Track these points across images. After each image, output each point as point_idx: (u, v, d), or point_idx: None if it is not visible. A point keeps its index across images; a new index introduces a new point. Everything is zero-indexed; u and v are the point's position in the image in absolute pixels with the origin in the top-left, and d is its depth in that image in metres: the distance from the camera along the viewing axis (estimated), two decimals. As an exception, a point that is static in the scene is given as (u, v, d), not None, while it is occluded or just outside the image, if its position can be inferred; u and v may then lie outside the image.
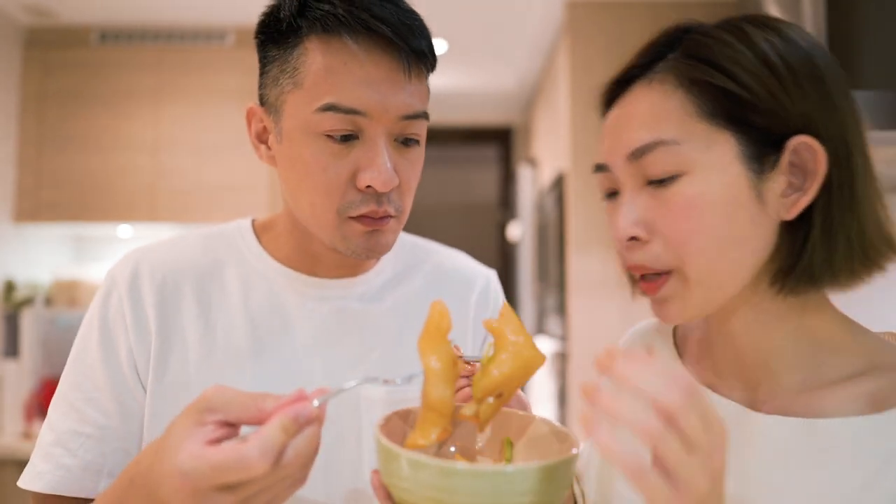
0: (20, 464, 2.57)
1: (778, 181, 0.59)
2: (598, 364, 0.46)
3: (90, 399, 0.77)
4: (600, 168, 0.66)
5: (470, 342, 0.88)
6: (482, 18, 2.89)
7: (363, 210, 0.74)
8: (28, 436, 2.67)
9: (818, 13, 1.38)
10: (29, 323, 2.74)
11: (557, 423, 0.61)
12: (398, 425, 0.60)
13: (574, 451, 0.53)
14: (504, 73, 3.69)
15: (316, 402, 0.54)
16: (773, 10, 1.61)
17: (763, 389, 0.64)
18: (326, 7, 0.72)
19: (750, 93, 0.58)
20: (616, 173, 0.64)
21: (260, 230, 0.88)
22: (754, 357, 0.65)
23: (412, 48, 0.72)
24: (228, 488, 0.52)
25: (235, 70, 2.97)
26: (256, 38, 0.78)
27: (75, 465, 0.75)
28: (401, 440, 0.58)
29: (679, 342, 0.76)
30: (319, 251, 0.83)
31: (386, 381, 0.60)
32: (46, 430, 0.77)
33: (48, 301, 2.90)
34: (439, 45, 3.09)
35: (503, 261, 4.58)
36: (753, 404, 0.64)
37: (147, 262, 0.82)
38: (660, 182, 0.60)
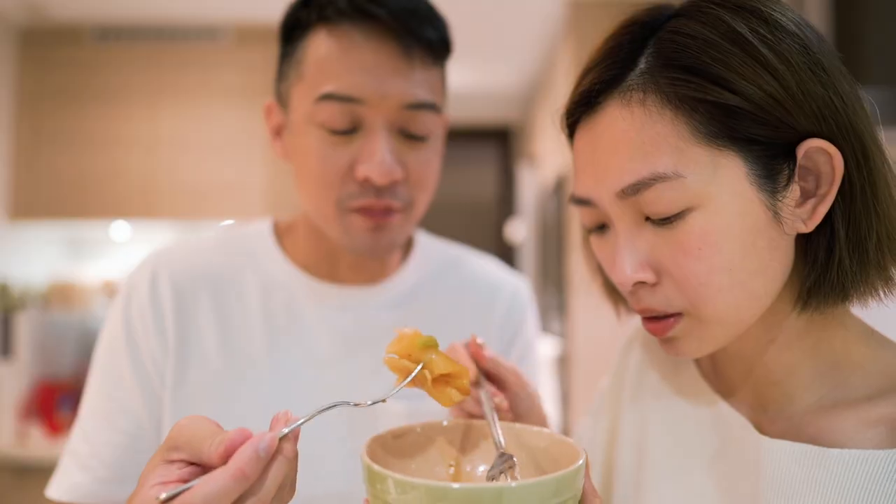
0: (15, 465, 2.54)
1: (792, 192, 0.52)
2: None
3: (123, 409, 0.76)
4: (581, 202, 0.58)
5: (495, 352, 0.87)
6: (483, 16, 2.87)
7: (362, 202, 0.72)
8: (23, 437, 2.63)
9: (824, 7, 1.36)
10: (24, 324, 2.71)
11: (563, 436, 0.57)
12: (389, 445, 0.56)
13: (579, 462, 0.49)
14: (504, 72, 3.67)
15: (286, 430, 0.47)
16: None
17: (773, 408, 0.59)
18: None
19: (750, 103, 0.50)
20: (604, 209, 0.56)
21: (281, 233, 0.86)
22: (766, 377, 0.59)
23: (414, 34, 0.71)
24: None
25: (233, 68, 2.94)
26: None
27: (109, 477, 0.74)
28: (393, 460, 0.54)
29: None
30: (338, 253, 0.81)
31: (357, 405, 0.55)
32: (81, 441, 0.76)
33: (44, 302, 2.87)
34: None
35: (501, 260, 4.55)
36: (761, 423, 0.59)
37: (165, 267, 0.80)
38: (664, 220, 0.53)
